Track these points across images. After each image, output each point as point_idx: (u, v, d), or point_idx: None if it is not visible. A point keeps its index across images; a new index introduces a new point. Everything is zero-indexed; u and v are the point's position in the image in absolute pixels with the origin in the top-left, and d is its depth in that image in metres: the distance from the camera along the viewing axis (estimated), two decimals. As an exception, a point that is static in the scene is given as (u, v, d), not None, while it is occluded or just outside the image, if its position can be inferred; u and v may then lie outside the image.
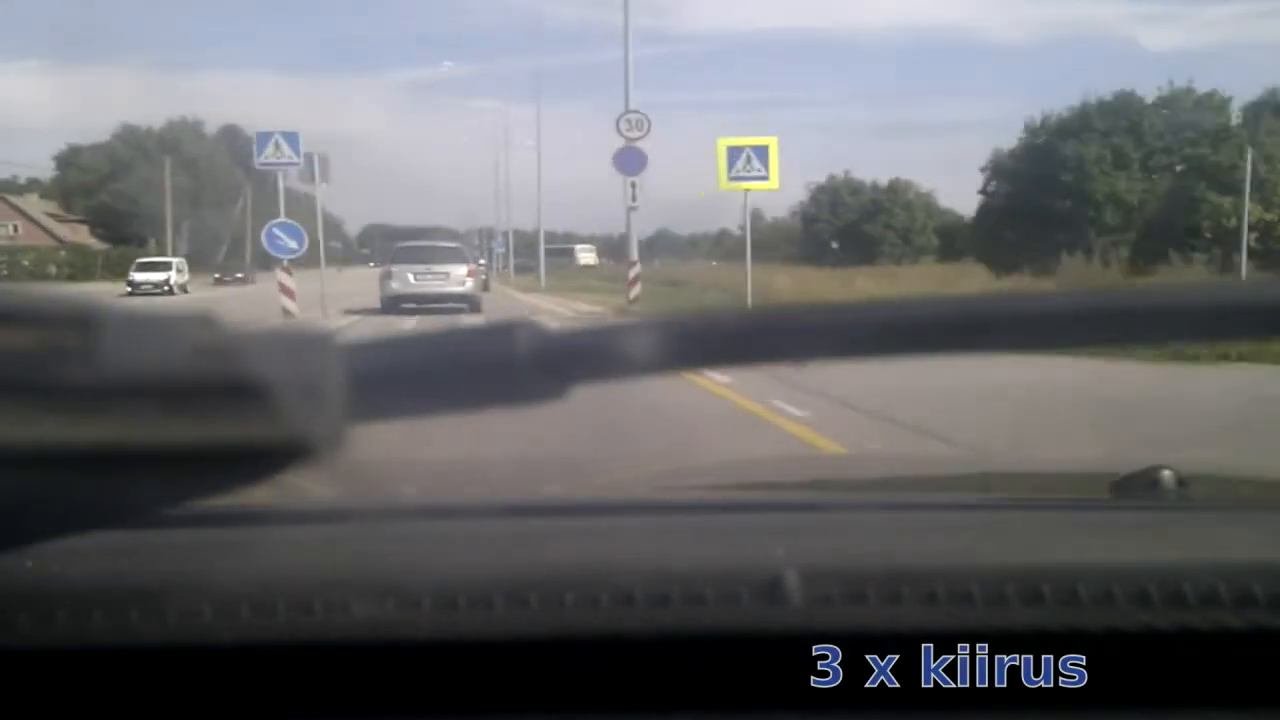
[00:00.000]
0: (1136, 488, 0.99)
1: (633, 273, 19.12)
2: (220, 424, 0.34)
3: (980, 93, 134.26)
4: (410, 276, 19.81)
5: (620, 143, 18.14)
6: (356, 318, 18.03)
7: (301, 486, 1.09)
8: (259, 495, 0.80)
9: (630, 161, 18.27)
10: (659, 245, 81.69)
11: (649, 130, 18.33)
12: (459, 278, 19.98)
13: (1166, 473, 0.98)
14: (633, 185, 18.21)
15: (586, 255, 67.18)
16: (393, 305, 19.30)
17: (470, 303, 19.51)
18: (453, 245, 23.64)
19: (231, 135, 71.12)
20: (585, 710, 0.71)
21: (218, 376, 0.35)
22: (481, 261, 29.90)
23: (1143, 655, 0.70)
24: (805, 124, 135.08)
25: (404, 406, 0.44)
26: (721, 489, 1.48)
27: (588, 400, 0.51)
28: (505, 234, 61.17)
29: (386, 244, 27.41)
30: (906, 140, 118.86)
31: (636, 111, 18.66)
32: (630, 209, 18.96)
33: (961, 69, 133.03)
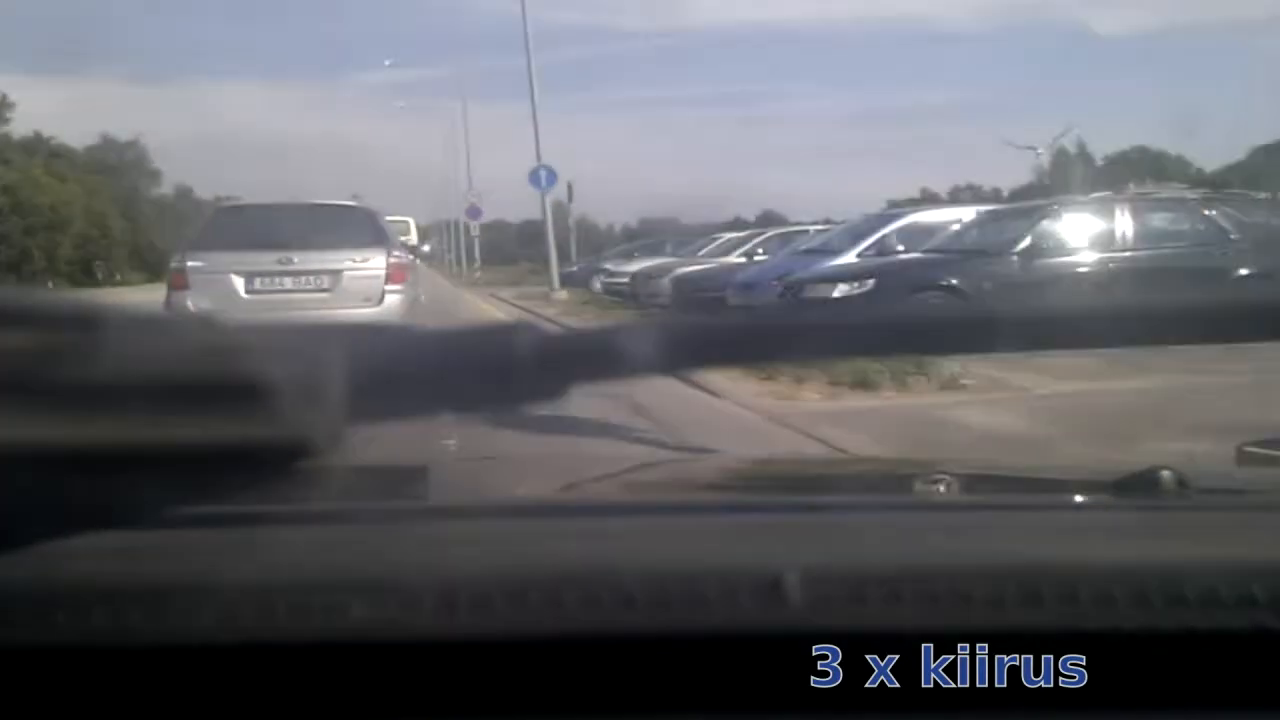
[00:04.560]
0: (1136, 488, 0.99)
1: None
2: (220, 424, 0.34)
3: (937, 81, 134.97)
4: (238, 284, 8.69)
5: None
6: None
7: (302, 487, 1.09)
8: (259, 495, 0.81)
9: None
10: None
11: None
12: (363, 282, 8.87)
13: (1166, 473, 0.98)
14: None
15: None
16: None
17: None
18: (350, 204, 10.47)
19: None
20: (586, 711, 0.71)
21: (218, 377, 0.35)
22: (425, 247, 14.61)
23: (1143, 655, 0.70)
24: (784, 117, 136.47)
25: (404, 407, 0.44)
26: (721, 489, 1.47)
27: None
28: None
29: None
30: (876, 129, 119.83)
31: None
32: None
33: (921, 57, 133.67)
